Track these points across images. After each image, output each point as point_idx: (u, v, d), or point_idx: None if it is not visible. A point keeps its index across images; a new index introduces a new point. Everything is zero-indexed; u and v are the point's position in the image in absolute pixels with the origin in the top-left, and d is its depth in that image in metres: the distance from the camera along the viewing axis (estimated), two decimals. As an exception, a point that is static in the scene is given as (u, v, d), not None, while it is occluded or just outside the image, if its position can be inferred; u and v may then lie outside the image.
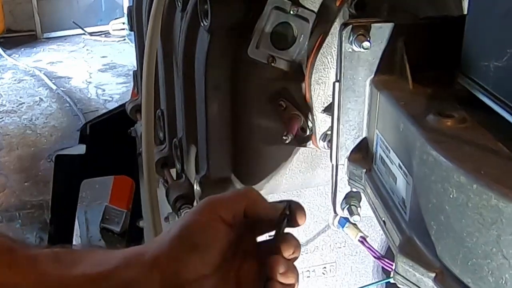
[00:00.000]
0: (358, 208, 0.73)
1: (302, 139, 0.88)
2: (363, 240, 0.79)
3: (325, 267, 1.01)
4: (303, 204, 0.70)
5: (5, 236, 0.58)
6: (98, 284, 0.54)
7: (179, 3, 1.01)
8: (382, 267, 1.01)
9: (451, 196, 0.46)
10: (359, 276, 1.04)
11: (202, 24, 0.88)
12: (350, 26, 0.61)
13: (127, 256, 0.56)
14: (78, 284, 0.54)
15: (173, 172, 1.18)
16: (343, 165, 0.69)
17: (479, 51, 0.54)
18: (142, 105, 1.02)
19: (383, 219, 0.61)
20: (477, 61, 0.53)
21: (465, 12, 0.57)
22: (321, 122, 0.84)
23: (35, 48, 5.47)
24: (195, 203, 1.00)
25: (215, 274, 0.56)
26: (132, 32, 1.49)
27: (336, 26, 0.79)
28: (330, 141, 0.71)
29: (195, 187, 0.97)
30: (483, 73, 0.52)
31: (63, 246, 0.59)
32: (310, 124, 0.86)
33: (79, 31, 5.72)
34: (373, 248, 0.75)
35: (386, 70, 0.63)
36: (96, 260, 0.56)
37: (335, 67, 0.76)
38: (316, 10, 0.82)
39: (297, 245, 0.60)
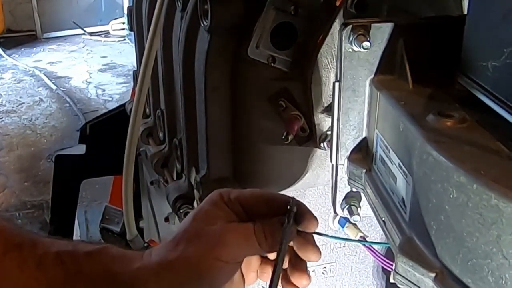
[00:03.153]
0: (358, 208, 0.73)
1: (302, 139, 0.88)
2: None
3: (325, 267, 1.01)
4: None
5: (15, 228, 0.59)
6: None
7: (179, 3, 1.01)
8: (382, 267, 1.01)
9: (451, 196, 0.46)
10: (359, 276, 1.04)
11: (202, 24, 0.88)
12: (350, 26, 0.61)
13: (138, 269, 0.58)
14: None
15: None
16: (343, 165, 0.69)
17: (479, 51, 0.54)
18: (133, 103, 1.02)
19: (383, 219, 0.61)
20: (476, 61, 0.54)
21: (465, 12, 0.57)
22: (321, 122, 0.84)
23: (35, 48, 5.48)
24: (195, 203, 1.00)
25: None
26: (132, 32, 1.49)
27: (336, 26, 0.79)
28: (330, 141, 0.71)
29: (195, 187, 0.97)
30: (482, 73, 0.52)
31: (71, 242, 0.60)
32: (310, 124, 0.86)
33: (79, 31, 5.72)
34: (373, 248, 0.75)
35: (386, 70, 0.63)
36: (99, 271, 0.57)
37: (335, 67, 0.76)
38: (316, 10, 0.82)
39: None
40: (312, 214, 0.64)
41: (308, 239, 0.64)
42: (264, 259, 0.65)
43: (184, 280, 0.58)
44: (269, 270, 0.60)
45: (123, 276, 0.57)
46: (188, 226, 0.61)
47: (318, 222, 0.65)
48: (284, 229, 0.60)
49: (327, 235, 0.69)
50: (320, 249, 0.64)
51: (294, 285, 0.64)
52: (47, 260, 0.56)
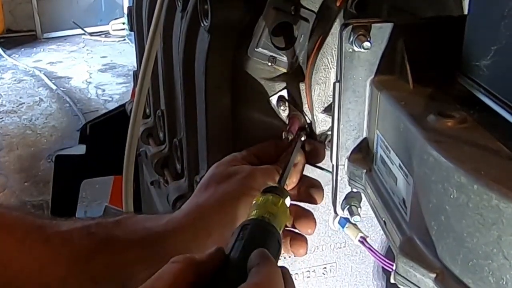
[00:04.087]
0: (359, 209, 0.73)
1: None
2: (363, 240, 0.79)
3: (325, 268, 1.01)
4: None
5: (34, 215, 0.59)
6: (131, 261, 0.55)
7: (179, 3, 1.01)
8: (383, 268, 1.01)
9: (451, 196, 0.46)
10: (359, 277, 1.04)
11: (202, 24, 0.88)
12: (351, 26, 0.61)
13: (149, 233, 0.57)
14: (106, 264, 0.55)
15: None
16: (344, 165, 0.69)
17: (474, 50, 0.54)
18: (134, 103, 1.02)
19: (383, 219, 0.61)
20: (474, 61, 0.54)
21: (465, 12, 0.57)
22: (321, 122, 0.84)
23: (35, 48, 5.48)
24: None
25: None
26: (132, 32, 1.49)
27: (336, 26, 0.79)
28: (331, 141, 0.71)
29: (195, 187, 0.97)
30: (479, 73, 0.53)
31: (93, 218, 0.60)
32: (310, 124, 0.86)
33: (79, 31, 5.72)
34: (374, 248, 0.75)
35: (387, 70, 0.63)
36: (130, 232, 0.56)
37: (335, 68, 0.76)
38: (316, 10, 0.82)
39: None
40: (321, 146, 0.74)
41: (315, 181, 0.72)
42: None
43: (214, 220, 0.58)
44: None
45: (153, 231, 0.56)
46: (214, 171, 0.64)
47: (325, 153, 0.74)
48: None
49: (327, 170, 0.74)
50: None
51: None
52: (73, 235, 0.56)
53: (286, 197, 0.58)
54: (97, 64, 5.08)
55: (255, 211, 0.53)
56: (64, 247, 0.55)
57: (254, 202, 0.56)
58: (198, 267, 0.44)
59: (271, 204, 0.55)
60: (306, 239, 0.69)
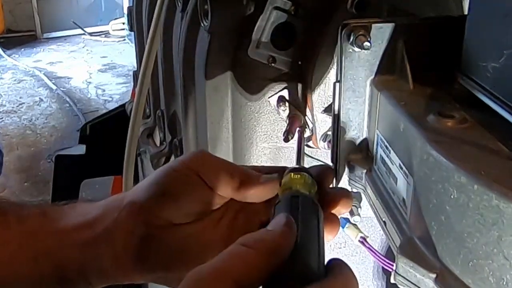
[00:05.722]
0: (359, 209, 0.73)
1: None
2: (363, 240, 0.79)
3: (325, 268, 1.01)
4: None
5: (4, 200, 0.59)
6: (79, 234, 0.54)
7: (179, 3, 1.01)
8: (383, 268, 1.01)
9: (451, 196, 0.46)
10: (359, 277, 1.04)
11: (202, 24, 0.88)
12: (350, 26, 0.61)
13: (108, 203, 0.56)
14: (60, 236, 0.54)
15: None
16: (343, 165, 0.69)
17: (478, 51, 0.54)
18: (134, 104, 1.02)
19: (383, 219, 0.61)
20: (476, 61, 0.53)
21: (465, 12, 0.57)
22: (321, 122, 0.84)
23: (35, 48, 5.48)
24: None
25: (197, 223, 0.54)
26: (132, 32, 1.49)
27: (336, 26, 0.79)
28: (331, 141, 0.71)
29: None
30: (482, 73, 0.52)
31: (54, 203, 0.59)
32: (310, 124, 0.86)
33: (79, 31, 5.72)
34: (374, 248, 0.75)
35: (387, 71, 0.63)
36: (79, 212, 0.56)
37: (335, 68, 0.76)
38: (316, 10, 0.82)
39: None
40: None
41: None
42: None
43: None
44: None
45: (91, 215, 0.56)
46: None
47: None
48: None
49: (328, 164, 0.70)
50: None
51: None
52: (29, 215, 0.56)
53: (310, 173, 0.56)
54: (97, 64, 5.09)
55: (289, 186, 0.52)
56: (18, 226, 0.55)
57: (283, 180, 0.54)
58: (274, 256, 0.40)
59: (300, 180, 0.53)
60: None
